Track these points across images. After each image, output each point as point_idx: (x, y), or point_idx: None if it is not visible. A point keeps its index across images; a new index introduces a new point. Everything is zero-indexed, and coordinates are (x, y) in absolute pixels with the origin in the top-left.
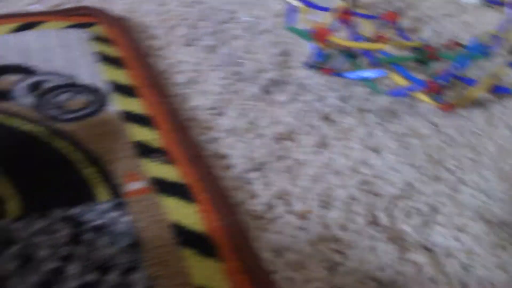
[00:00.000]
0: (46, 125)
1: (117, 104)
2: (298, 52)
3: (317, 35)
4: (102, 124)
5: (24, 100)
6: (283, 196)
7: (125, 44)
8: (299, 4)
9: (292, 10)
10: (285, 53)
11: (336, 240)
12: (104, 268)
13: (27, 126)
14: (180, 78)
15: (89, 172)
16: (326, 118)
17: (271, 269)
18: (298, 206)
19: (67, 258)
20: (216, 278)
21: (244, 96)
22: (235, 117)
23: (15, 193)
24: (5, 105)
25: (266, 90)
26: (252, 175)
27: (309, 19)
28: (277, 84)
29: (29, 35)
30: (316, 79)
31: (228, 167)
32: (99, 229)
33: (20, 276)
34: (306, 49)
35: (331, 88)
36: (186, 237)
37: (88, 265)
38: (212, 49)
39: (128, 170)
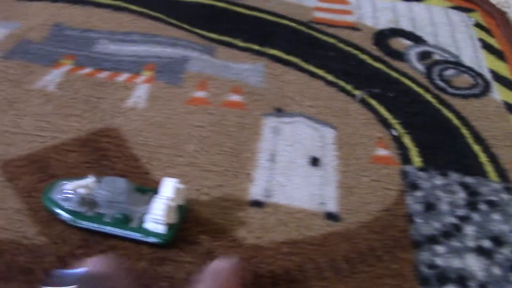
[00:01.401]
0: (434, 93)
1: (499, 94)
2: None
3: None
4: (486, 108)
5: (415, 65)
6: None
7: (504, 37)
8: None
9: None
10: None
11: None
12: (497, 240)
13: (418, 89)
14: None
15: (476, 149)
16: None
17: None
18: None
19: (464, 219)
20: None
21: None
22: None
23: (414, 146)
24: (400, 64)
25: None
26: None
27: None
28: None
29: (417, 6)
30: None
31: None
32: (492, 205)
33: (424, 218)
34: None
35: None
36: None
37: (483, 233)
38: None
39: None
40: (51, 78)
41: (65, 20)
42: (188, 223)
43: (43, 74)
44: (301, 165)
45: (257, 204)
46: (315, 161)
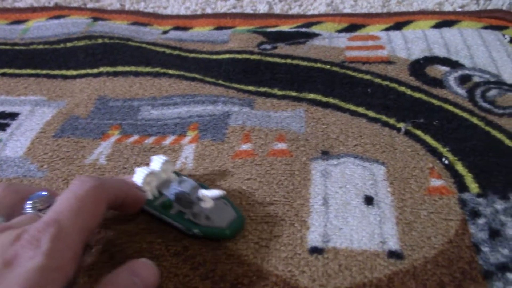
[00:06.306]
0: (480, 116)
1: None
2: None
3: None
4: None
5: (456, 90)
6: None
7: None
8: None
9: None
10: None
11: None
12: None
13: (462, 114)
14: None
15: None
16: None
17: None
18: None
19: None
20: None
21: None
22: None
23: (468, 172)
24: (440, 91)
25: None
26: None
27: None
28: None
29: (448, 32)
30: None
31: None
32: None
33: (491, 246)
34: None
35: None
36: None
37: None
38: None
39: None
40: (101, 151)
41: (108, 93)
42: (248, 277)
43: (93, 147)
44: (355, 206)
45: (316, 250)
46: (369, 200)
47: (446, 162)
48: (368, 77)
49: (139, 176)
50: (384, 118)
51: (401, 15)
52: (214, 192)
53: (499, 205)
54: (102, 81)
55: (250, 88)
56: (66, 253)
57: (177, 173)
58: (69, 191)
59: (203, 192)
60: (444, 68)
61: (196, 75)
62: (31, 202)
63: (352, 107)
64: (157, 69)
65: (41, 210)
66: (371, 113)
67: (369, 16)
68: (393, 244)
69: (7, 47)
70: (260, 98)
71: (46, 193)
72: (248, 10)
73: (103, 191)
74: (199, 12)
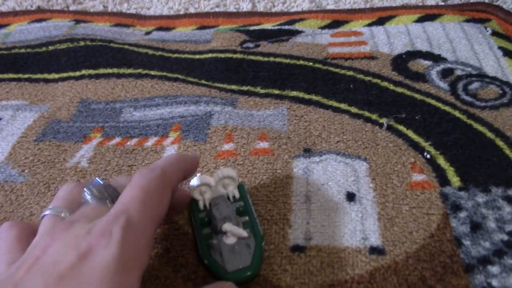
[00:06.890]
0: (462, 109)
1: None
2: None
3: None
4: None
5: (438, 84)
6: None
7: None
8: None
9: None
10: None
11: None
12: None
13: (445, 108)
14: None
15: None
16: None
17: None
18: None
19: None
20: None
21: None
22: None
23: (449, 166)
24: (422, 86)
25: None
26: None
27: None
28: None
29: (430, 26)
30: None
31: None
32: None
33: (472, 239)
34: None
35: None
36: None
37: None
38: None
39: None
40: (83, 154)
41: (90, 95)
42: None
43: (75, 151)
44: (337, 203)
45: (298, 249)
46: (351, 197)
47: (428, 156)
48: (350, 73)
49: (193, 183)
50: (366, 113)
51: (384, 10)
52: (238, 231)
53: (480, 198)
54: (84, 84)
55: (233, 87)
56: (139, 242)
57: (241, 187)
58: (132, 185)
59: (227, 227)
60: (427, 62)
61: (179, 76)
62: (88, 188)
63: (335, 104)
64: (139, 70)
65: (101, 199)
66: (353, 109)
67: (352, 12)
68: (374, 240)
69: None
70: (243, 97)
71: (101, 181)
72: (232, 8)
73: (166, 178)
74: (182, 12)
